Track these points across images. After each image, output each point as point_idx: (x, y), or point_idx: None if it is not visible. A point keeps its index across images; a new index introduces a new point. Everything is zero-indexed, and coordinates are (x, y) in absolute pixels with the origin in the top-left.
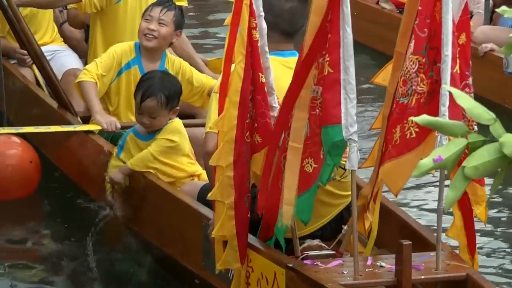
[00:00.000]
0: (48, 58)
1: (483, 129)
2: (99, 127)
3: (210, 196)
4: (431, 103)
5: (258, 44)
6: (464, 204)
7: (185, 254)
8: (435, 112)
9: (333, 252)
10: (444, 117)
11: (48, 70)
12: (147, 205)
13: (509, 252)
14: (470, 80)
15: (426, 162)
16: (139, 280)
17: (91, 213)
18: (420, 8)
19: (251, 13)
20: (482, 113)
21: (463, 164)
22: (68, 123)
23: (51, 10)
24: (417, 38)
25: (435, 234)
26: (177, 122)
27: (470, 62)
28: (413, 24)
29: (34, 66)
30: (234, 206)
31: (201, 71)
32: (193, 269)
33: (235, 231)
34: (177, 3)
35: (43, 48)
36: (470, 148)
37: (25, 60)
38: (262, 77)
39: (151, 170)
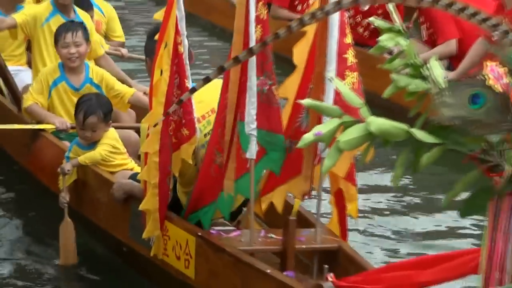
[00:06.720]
0: (12, 75)
1: None
2: (52, 126)
3: (139, 176)
4: None
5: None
6: (340, 202)
7: (115, 227)
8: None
9: (234, 228)
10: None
11: (10, 80)
12: (90, 190)
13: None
14: None
15: (309, 135)
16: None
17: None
18: None
19: (177, 32)
20: (354, 98)
21: (338, 138)
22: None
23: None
24: None
25: (315, 215)
26: (113, 131)
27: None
28: None
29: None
30: (158, 186)
31: (128, 84)
32: (122, 238)
33: (158, 205)
34: (116, 40)
35: (11, 68)
36: (344, 127)
37: None
38: (187, 82)
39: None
